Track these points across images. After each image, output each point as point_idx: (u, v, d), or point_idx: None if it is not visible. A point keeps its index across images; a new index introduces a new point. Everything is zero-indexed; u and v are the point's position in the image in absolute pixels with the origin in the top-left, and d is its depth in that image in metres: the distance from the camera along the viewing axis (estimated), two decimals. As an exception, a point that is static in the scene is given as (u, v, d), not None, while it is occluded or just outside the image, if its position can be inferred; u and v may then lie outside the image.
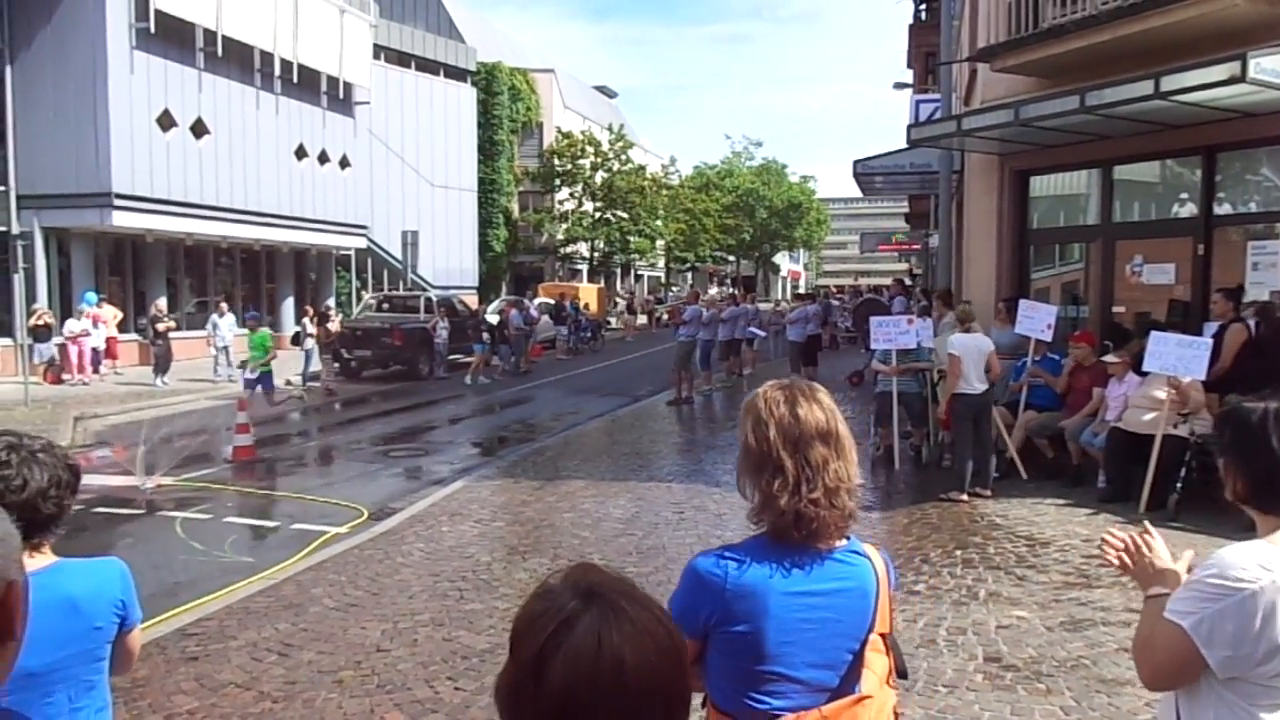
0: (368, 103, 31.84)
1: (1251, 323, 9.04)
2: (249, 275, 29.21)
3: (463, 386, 20.76)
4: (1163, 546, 2.21)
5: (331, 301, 28.43)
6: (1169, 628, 2.00)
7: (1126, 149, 10.60)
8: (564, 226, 46.96)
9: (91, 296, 22.30)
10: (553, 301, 32.28)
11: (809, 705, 2.07)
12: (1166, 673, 2.08)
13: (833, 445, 2.12)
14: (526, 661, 1.16)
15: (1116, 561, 2.25)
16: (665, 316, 41.24)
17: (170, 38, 23.36)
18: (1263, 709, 1.98)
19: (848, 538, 2.17)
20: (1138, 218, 11.29)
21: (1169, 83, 8.34)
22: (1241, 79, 7.78)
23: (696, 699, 2.28)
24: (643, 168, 49.68)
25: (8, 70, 21.73)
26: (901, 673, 2.29)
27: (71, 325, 20.44)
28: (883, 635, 2.20)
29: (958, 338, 9.28)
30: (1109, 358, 9.56)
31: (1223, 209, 10.09)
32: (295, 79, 27.55)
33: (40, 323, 19.89)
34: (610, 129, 48.49)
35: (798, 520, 2.06)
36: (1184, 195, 10.69)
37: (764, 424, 2.13)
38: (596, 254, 49.54)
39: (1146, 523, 2.32)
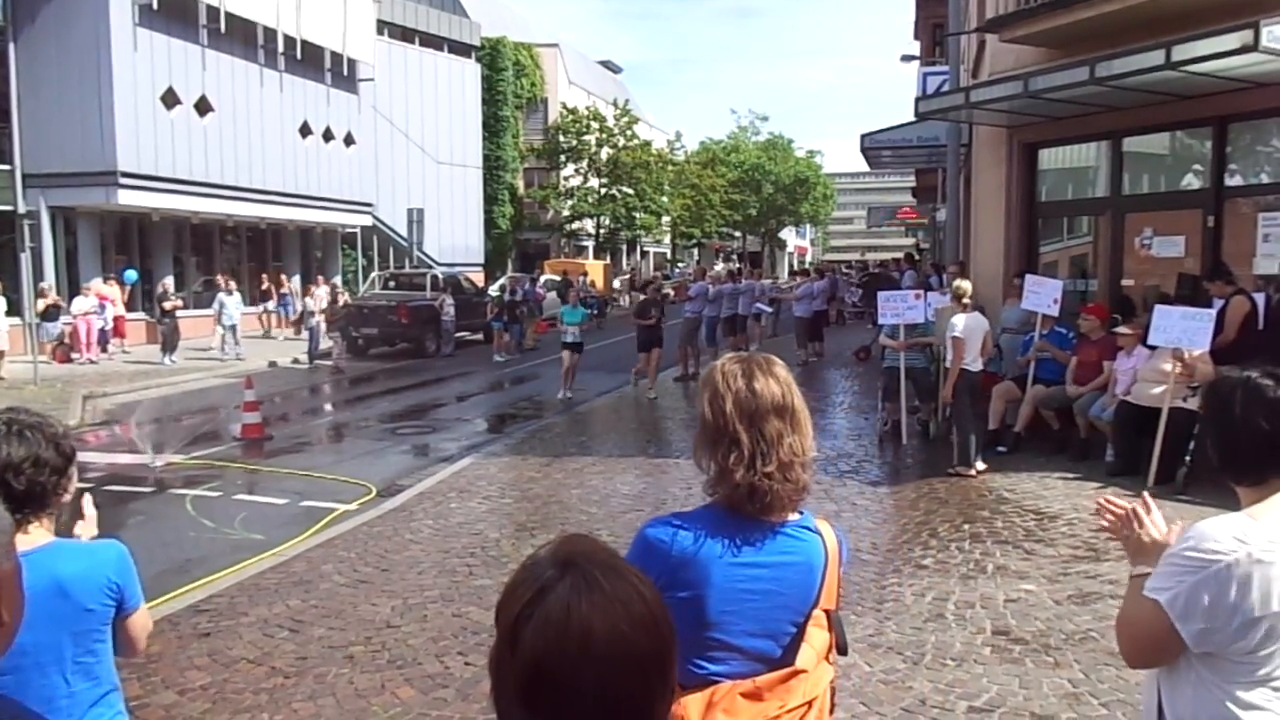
0: (371, 79, 31.67)
1: (1260, 297, 8.99)
2: (255, 253, 29.21)
3: (470, 364, 20.81)
4: (1160, 519, 2.19)
5: (338, 280, 28.40)
6: (1147, 603, 2.00)
7: (1136, 120, 10.50)
8: (569, 203, 46.80)
9: (132, 274, 22.46)
10: (559, 278, 32.22)
11: (747, 674, 2.09)
12: (1145, 649, 2.09)
13: (788, 419, 2.12)
14: (505, 630, 1.20)
15: (1110, 526, 2.24)
16: (670, 293, 41.13)
17: (173, 14, 23.27)
18: (1239, 686, 1.97)
19: (800, 512, 2.18)
20: (1147, 190, 11.21)
21: (1180, 52, 8.23)
22: (1254, 48, 7.68)
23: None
24: (648, 143, 49.42)
25: (11, 48, 21.65)
26: (841, 649, 2.29)
27: (80, 304, 20.49)
28: (827, 611, 2.20)
29: (960, 319, 9.21)
30: (1120, 329, 9.51)
31: (1234, 180, 9.99)
32: (299, 55, 27.41)
33: (50, 304, 19.97)
34: (615, 104, 48.23)
35: (752, 493, 2.07)
36: (1195, 167, 10.60)
37: (721, 397, 2.13)
38: (602, 230, 49.41)
39: (1146, 494, 2.30)
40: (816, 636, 2.19)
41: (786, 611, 2.12)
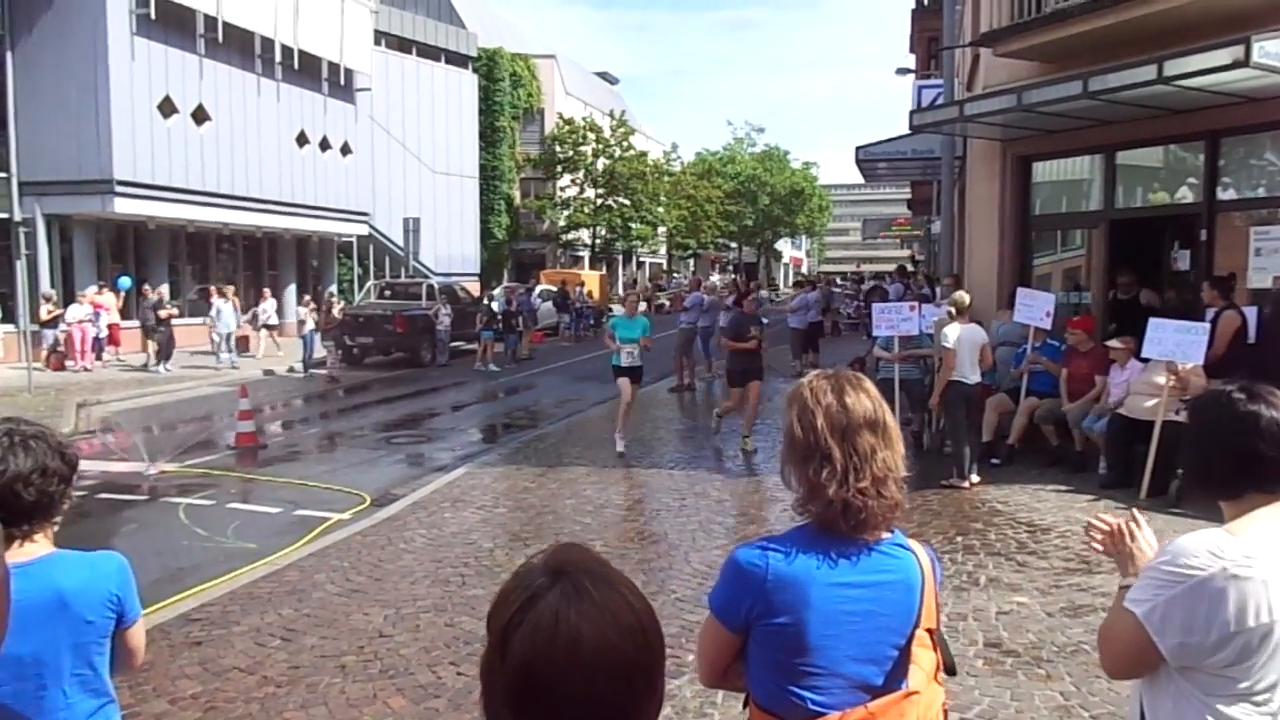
0: (369, 89, 31.74)
1: (1252, 311, 9.03)
2: (251, 262, 29.20)
3: (466, 373, 20.80)
4: (1149, 535, 2.20)
5: (334, 289, 28.32)
6: (1126, 616, 2.01)
7: (1129, 134, 10.55)
8: (565, 213, 46.91)
9: (126, 281, 22.46)
10: (555, 288, 32.27)
11: (852, 703, 2.03)
12: (1124, 661, 2.09)
13: (880, 434, 2.09)
14: (495, 636, 1.21)
15: (1101, 547, 2.24)
16: (667, 304, 41.28)
17: (171, 24, 23.29)
18: (1218, 699, 1.97)
19: (892, 530, 2.13)
20: (1140, 203, 11.26)
21: (1172, 67, 8.29)
22: (1245, 63, 7.74)
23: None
24: (644, 154, 49.58)
25: (8, 56, 21.66)
26: (949, 669, 2.26)
27: (74, 311, 20.46)
28: (929, 630, 2.16)
29: (954, 330, 9.24)
30: (1112, 343, 9.55)
31: (1226, 194, 10.04)
32: (296, 65, 27.46)
33: (54, 314, 19.95)
34: (612, 115, 48.39)
35: (845, 510, 2.03)
36: (1188, 181, 10.65)
37: (811, 412, 2.09)
38: (598, 241, 49.49)
39: (1135, 510, 2.31)
40: (924, 657, 2.15)
41: (888, 634, 2.07)
